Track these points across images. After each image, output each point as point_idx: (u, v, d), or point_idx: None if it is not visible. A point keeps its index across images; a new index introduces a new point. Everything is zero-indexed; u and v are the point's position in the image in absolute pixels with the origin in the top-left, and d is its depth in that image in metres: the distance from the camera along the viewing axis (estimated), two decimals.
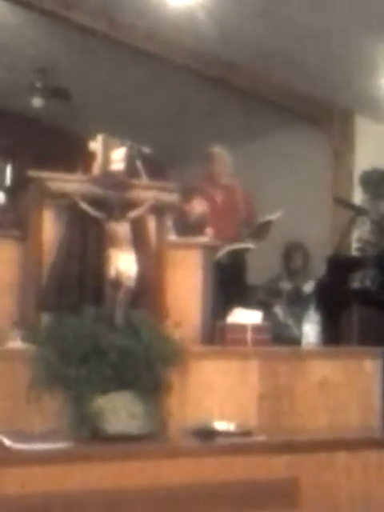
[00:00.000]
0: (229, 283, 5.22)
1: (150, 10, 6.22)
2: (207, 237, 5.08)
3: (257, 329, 4.39)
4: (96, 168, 4.31)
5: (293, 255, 7.34)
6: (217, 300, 4.63)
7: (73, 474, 3.49)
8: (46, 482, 3.46)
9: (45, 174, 4.14)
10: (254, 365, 4.16)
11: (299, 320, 4.92)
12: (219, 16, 6.11)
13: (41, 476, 3.45)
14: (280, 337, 4.71)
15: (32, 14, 6.98)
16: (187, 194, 5.32)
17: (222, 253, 5.30)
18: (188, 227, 5.05)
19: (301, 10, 6.02)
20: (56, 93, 8.31)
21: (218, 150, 5.94)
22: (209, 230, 5.32)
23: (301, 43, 6.48)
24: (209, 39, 6.53)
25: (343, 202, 6.99)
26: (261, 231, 5.70)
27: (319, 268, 6.71)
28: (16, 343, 3.92)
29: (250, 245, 5.67)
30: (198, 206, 5.50)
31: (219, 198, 5.87)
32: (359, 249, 6.92)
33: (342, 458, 3.98)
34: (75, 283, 4.03)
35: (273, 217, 5.65)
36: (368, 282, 5.98)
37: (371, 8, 5.80)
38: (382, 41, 6.18)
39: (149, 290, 4.10)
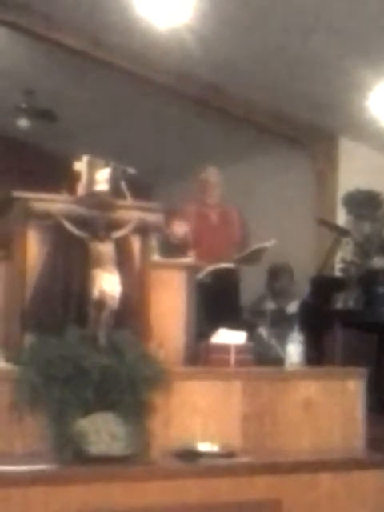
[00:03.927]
0: (218, 304, 5.22)
1: (137, 32, 6.25)
2: (190, 258, 5.10)
3: (240, 349, 4.39)
4: (81, 188, 4.32)
5: (279, 276, 7.34)
6: (203, 320, 4.63)
7: (55, 496, 3.48)
8: (28, 505, 3.44)
9: (29, 194, 4.14)
10: (237, 385, 4.16)
11: (283, 340, 4.92)
12: (205, 39, 6.15)
13: (23, 498, 3.44)
14: (263, 357, 4.70)
15: (18, 35, 7.01)
16: (171, 216, 5.34)
17: (204, 273, 5.31)
18: (172, 248, 5.06)
19: (286, 34, 6.08)
20: (42, 114, 8.33)
21: (211, 169, 5.99)
22: (191, 252, 5.34)
23: (286, 66, 6.53)
24: (195, 61, 6.57)
25: (327, 223, 7.01)
26: (253, 256, 5.73)
27: (303, 288, 6.73)
28: None
29: (231, 265, 5.68)
30: (179, 229, 5.53)
31: (215, 217, 5.91)
32: (343, 269, 6.93)
33: (325, 479, 3.98)
34: (59, 303, 4.01)
35: (267, 244, 5.68)
36: (351, 303, 6.01)
37: (355, 31, 5.86)
38: (365, 63, 6.23)
39: (132, 310, 4.10)
